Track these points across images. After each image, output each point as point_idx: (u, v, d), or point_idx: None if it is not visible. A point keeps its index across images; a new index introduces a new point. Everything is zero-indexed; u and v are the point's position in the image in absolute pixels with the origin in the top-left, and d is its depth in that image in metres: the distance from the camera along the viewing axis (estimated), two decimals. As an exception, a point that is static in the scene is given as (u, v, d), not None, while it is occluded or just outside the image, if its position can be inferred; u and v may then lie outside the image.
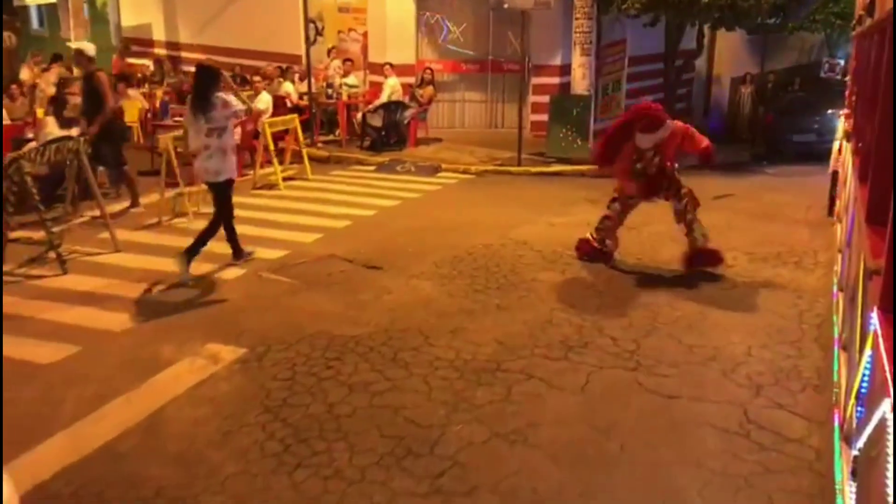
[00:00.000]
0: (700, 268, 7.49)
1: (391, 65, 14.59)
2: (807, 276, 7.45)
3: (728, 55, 22.17)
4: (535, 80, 15.88)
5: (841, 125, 9.41)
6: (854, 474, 2.72)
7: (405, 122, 14.27)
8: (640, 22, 15.00)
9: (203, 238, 7.22)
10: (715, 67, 21.77)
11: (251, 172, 11.40)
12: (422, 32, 15.84)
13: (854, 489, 2.70)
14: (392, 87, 14.19)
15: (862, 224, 3.79)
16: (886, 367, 2.17)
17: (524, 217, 9.83)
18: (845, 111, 9.32)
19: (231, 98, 7.28)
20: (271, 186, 11.23)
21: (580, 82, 13.50)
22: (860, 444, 2.59)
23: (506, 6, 12.51)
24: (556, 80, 15.66)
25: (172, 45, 21.66)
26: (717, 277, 7.37)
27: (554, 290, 6.95)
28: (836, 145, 9.66)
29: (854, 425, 2.93)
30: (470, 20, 15.81)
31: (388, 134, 14.22)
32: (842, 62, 24.24)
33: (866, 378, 2.66)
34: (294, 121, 11.84)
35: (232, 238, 7.57)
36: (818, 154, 16.75)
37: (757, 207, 10.50)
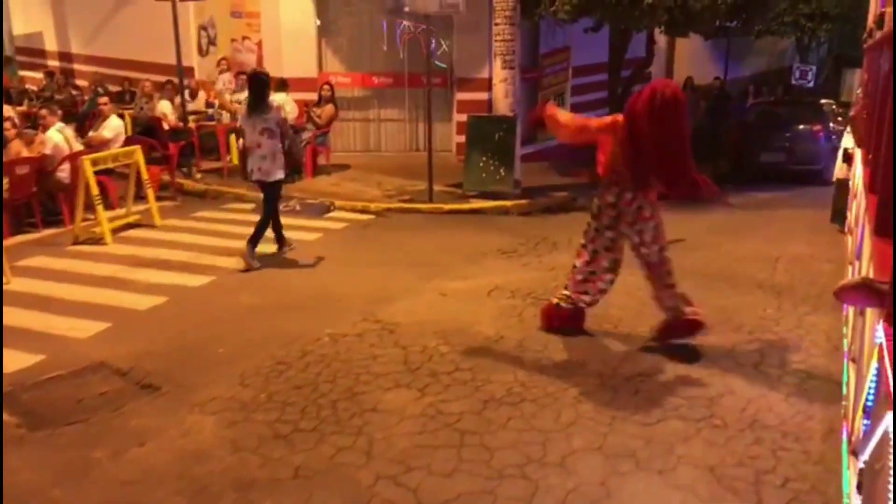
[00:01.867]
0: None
1: (244, 73, 12.21)
2: (771, 393, 5.19)
3: (689, 61, 20.08)
4: (461, 96, 13.63)
5: (849, 132, 9.40)
6: (860, 487, 2.66)
7: (299, 147, 11.91)
8: (584, 26, 12.82)
9: (258, 232, 8.04)
10: (675, 75, 19.64)
11: (76, 223, 8.98)
12: (325, 42, 13.52)
13: (860, 502, 2.66)
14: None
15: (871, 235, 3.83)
16: (890, 380, 2.20)
17: (411, 281, 7.53)
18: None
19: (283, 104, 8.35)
20: (98, 240, 8.82)
21: (502, 101, 11.23)
22: (865, 456, 2.51)
23: (406, 10, 10.22)
24: (484, 95, 13.37)
25: (65, 56, 19.16)
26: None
27: (395, 436, 4.62)
28: (840, 154, 9.48)
29: (861, 438, 2.86)
30: (379, 25, 13.52)
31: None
32: (814, 68, 22.32)
33: (872, 391, 2.65)
34: (135, 153, 9.43)
35: (277, 230, 8.33)
36: (788, 176, 14.70)
37: (711, 263, 8.26)
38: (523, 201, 11.17)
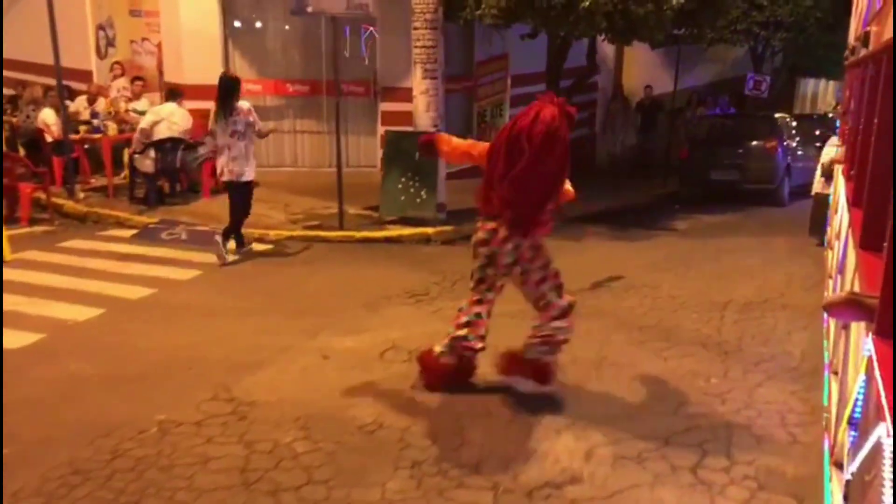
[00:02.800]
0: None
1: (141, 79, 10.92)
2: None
3: (639, 70, 19.02)
4: (385, 106, 12.36)
5: (829, 149, 9.46)
6: (846, 499, 2.70)
7: (195, 164, 10.54)
8: (520, 32, 11.64)
9: (231, 228, 8.41)
10: (624, 85, 18.59)
11: None
12: (233, 44, 12.14)
13: None
14: (161, 116, 10.38)
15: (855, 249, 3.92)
16: (882, 392, 2.22)
17: (291, 337, 6.23)
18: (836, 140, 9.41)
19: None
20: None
21: (423, 115, 9.97)
22: (853, 468, 2.55)
23: (309, 10, 8.90)
24: (412, 106, 12.10)
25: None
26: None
27: None
28: (819, 169, 9.64)
29: (846, 450, 2.90)
30: (297, 27, 12.18)
31: (170, 181, 10.48)
32: (768, 78, 21.45)
33: (860, 403, 2.67)
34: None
35: (237, 229, 8.50)
36: (741, 196, 13.69)
37: (648, 311, 7.09)
38: (448, 228, 9.92)
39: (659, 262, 8.94)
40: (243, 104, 8.19)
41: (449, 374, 5.24)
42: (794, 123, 15.66)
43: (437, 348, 5.24)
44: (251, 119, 8.19)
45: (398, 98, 12.19)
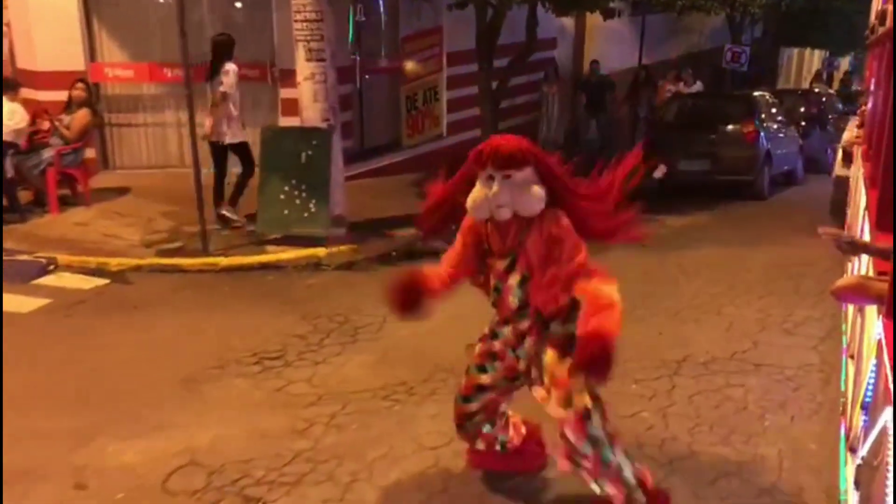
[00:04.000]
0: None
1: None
2: None
3: (603, 45, 17.01)
4: (287, 93, 10.29)
5: (851, 129, 9.45)
6: (857, 484, 2.68)
7: (35, 172, 8.52)
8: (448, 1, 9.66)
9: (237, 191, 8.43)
10: (586, 62, 16.59)
11: None
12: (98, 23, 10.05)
13: (857, 498, 2.70)
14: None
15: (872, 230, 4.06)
16: (889, 376, 2.22)
17: (52, 445, 4.33)
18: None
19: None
20: None
21: (310, 107, 7.95)
22: (863, 452, 2.54)
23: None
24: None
25: None
26: None
27: None
28: (840, 151, 9.60)
29: (859, 434, 2.94)
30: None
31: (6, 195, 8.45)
32: (747, 49, 19.51)
33: (871, 386, 2.72)
34: None
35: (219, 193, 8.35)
36: (713, 188, 11.80)
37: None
38: (344, 248, 7.96)
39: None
40: (229, 66, 8.10)
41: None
42: (776, 101, 13.73)
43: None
44: (229, 81, 8.09)
45: (301, 83, 10.16)
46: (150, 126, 10.37)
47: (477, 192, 3.32)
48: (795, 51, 28.62)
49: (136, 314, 6.37)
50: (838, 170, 9.45)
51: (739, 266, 7.88)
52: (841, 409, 4.32)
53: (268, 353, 5.64)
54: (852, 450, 3.17)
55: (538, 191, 3.29)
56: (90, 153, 9.72)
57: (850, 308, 4.91)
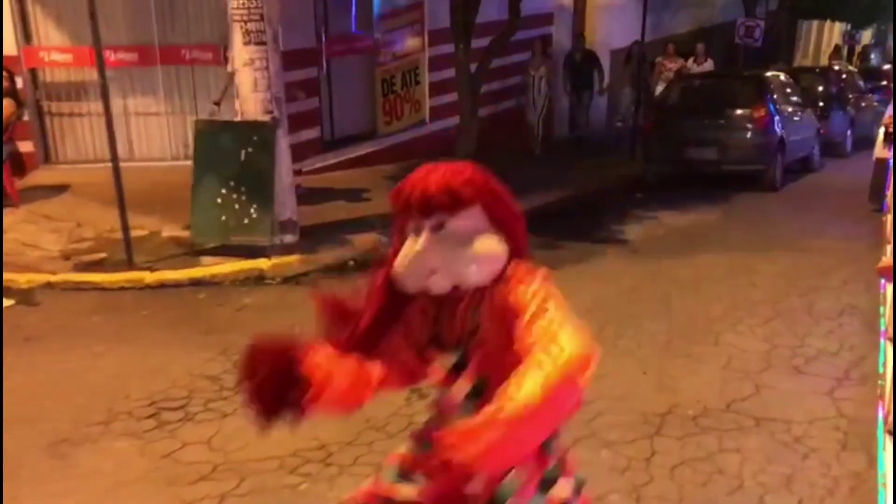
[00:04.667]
0: None
1: None
2: None
3: (605, 21, 15.86)
4: (243, 79, 9.28)
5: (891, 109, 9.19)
6: None
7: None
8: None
9: None
10: (588, 38, 15.41)
11: None
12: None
13: None
14: None
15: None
16: None
17: None
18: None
19: None
20: None
21: (249, 98, 6.93)
22: None
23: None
24: (297, 74, 9.02)
25: None
26: None
27: None
28: (881, 132, 9.24)
29: None
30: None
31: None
32: (762, 23, 18.28)
33: None
34: None
35: None
36: (722, 180, 10.73)
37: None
38: (293, 258, 6.99)
39: (593, 321, 6.00)
40: None
41: None
42: (790, 82, 12.57)
43: None
44: None
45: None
46: (96, 116, 9.39)
47: (406, 249, 1.96)
48: (814, 23, 27.18)
49: (25, 348, 5.42)
50: (879, 151, 9.18)
51: (744, 279, 6.83)
52: (879, 391, 4.16)
53: (169, 402, 4.69)
54: (891, 433, 3.15)
55: (489, 244, 1.95)
56: (25, 147, 8.80)
57: (889, 288, 4.79)
